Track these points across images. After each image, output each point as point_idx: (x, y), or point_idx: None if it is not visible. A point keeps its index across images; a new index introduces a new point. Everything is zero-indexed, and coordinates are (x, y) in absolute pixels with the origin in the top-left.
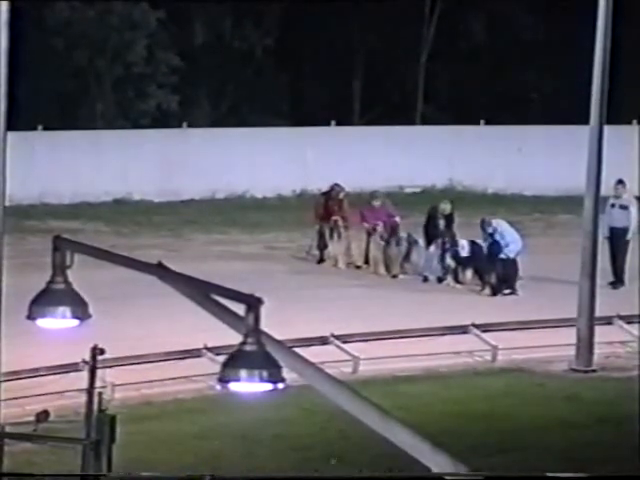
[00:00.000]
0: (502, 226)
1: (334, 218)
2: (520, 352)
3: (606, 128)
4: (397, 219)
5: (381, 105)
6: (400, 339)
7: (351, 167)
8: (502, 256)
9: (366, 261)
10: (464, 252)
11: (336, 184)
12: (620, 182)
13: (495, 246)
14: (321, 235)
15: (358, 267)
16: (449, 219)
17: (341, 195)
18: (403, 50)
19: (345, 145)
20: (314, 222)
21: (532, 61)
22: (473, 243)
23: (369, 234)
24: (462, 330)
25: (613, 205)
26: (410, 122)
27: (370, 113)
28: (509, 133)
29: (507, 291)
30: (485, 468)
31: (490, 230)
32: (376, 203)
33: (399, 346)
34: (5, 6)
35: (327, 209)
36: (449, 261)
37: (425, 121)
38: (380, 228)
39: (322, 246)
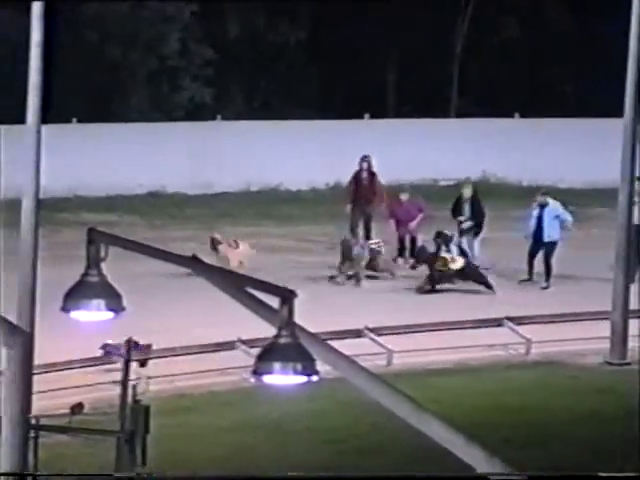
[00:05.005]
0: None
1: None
2: (554, 345)
3: None
4: (420, 217)
5: (415, 98)
6: (434, 332)
7: (385, 160)
8: (546, 239)
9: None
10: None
11: (364, 156)
12: None
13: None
14: (353, 228)
15: (393, 260)
16: (474, 203)
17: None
18: (437, 43)
19: (379, 138)
20: (347, 203)
21: (566, 54)
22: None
23: (401, 241)
24: (496, 323)
25: (635, 202)
26: (444, 115)
27: (404, 106)
28: (543, 126)
29: (544, 285)
30: (518, 461)
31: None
32: (403, 197)
33: (433, 339)
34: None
35: (358, 190)
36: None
37: (459, 114)
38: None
39: (355, 236)
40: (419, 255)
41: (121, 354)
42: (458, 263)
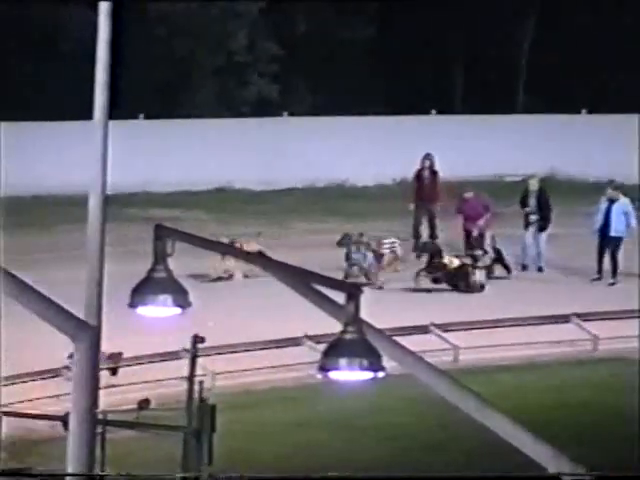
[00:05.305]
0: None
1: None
2: (621, 342)
3: None
4: (487, 215)
5: (481, 94)
6: (500, 328)
7: (451, 156)
8: (612, 234)
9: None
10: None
11: (427, 154)
12: None
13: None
14: (416, 226)
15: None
16: (540, 196)
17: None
18: (504, 38)
19: (445, 134)
20: (410, 201)
21: (634, 50)
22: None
23: (468, 237)
24: (563, 319)
25: None
26: (511, 111)
27: (470, 102)
28: (610, 122)
29: (611, 281)
30: (583, 457)
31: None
32: (467, 195)
33: (499, 335)
34: None
35: (421, 188)
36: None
37: (526, 110)
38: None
39: (417, 235)
40: (423, 248)
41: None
42: (454, 264)
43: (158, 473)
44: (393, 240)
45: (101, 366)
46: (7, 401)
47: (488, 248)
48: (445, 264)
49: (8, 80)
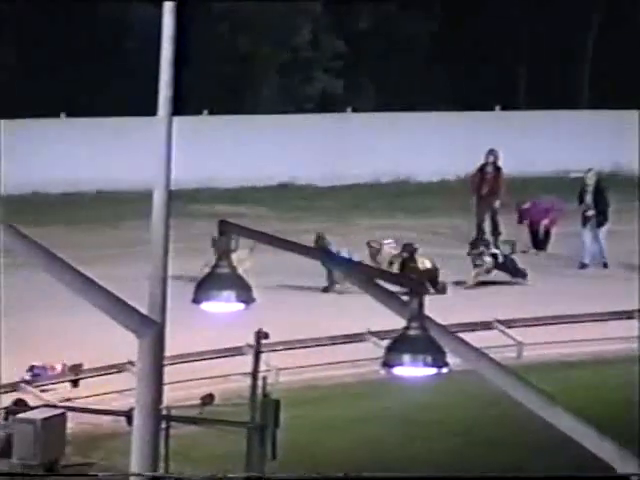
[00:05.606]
0: None
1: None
2: None
3: None
4: (549, 217)
5: (546, 89)
6: (564, 324)
7: (516, 152)
8: None
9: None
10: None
11: (491, 150)
12: None
13: None
14: (479, 222)
15: (524, 252)
16: (597, 192)
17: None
18: (569, 34)
19: (510, 130)
20: (472, 196)
21: None
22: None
23: (534, 236)
24: (627, 315)
25: None
26: (575, 106)
27: (535, 97)
28: None
29: None
30: None
31: None
32: (525, 206)
33: (563, 331)
34: None
35: (483, 183)
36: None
37: (590, 105)
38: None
39: (481, 231)
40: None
41: (50, 376)
42: (426, 265)
43: (218, 471)
44: (390, 241)
45: (63, 378)
46: (71, 396)
47: (496, 251)
48: (417, 267)
49: (75, 77)
